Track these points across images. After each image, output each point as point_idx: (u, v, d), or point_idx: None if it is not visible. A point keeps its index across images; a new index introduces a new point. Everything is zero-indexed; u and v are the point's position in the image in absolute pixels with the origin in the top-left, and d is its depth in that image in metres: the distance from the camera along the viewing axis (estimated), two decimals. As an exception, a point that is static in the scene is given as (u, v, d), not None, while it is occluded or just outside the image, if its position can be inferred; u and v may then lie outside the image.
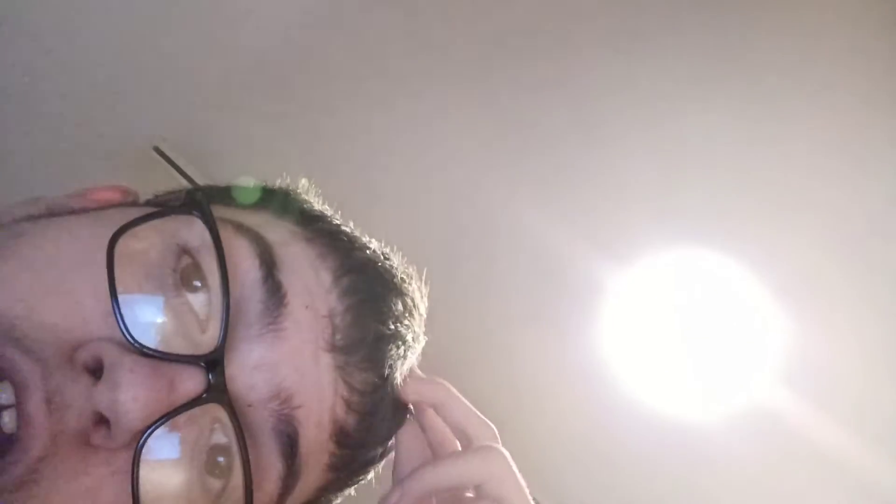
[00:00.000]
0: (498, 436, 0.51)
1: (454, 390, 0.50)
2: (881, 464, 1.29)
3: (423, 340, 0.52)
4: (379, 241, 0.52)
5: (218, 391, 0.39)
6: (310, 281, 0.44)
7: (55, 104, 1.22)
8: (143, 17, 1.16)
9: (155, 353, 0.38)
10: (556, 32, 1.14)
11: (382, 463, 0.51)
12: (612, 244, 1.26)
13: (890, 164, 1.16)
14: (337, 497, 0.50)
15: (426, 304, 0.52)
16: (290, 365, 0.41)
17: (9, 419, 0.35)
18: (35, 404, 0.35)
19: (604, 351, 1.30)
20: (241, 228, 0.43)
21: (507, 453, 0.49)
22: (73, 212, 0.45)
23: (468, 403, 0.50)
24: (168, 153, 1.26)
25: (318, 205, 0.51)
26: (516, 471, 0.49)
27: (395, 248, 0.53)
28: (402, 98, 1.21)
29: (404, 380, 0.48)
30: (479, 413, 0.51)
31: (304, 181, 0.52)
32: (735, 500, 1.40)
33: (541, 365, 1.34)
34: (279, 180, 0.52)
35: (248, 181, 0.50)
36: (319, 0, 1.15)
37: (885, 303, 1.23)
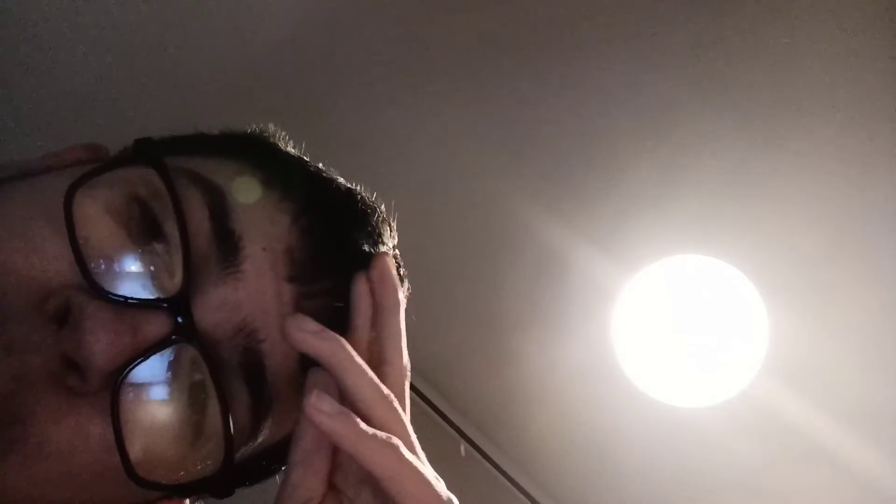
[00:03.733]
0: (401, 413, 0.45)
1: (350, 350, 0.44)
2: (881, 463, 1.29)
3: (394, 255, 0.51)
4: (361, 188, 0.52)
5: (186, 331, 0.41)
6: (266, 224, 0.45)
7: (54, 104, 1.22)
8: (144, 17, 1.16)
9: (119, 299, 0.39)
10: (557, 33, 1.14)
11: None
12: (613, 244, 1.26)
13: (890, 164, 1.16)
14: None
15: (395, 237, 0.52)
16: (252, 302, 0.43)
17: None
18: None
19: (604, 351, 1.30)
20: (195, 178, 0.44)
21: (400, 445, 0.43)
22: (40, 172, 0.46)
23: (368, 370, 0.45)
24: (168, 153, 1.26)
25: (284, 147, 0.52)
26: (416, 463, 0.43)
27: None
28: (403, 99, 1.21)
29: (294, 327, 0.44)
30: (379, 384, 0.45)
31: (271, 126, 0.53)
32: (735, 500, 1.40)
33: (541, 365, 1.34)
34: (249, 126, 0.52)
35: (209, 129, 0.51)
36: (320, 0, 1.15)
37: (885, 302, 1.23)
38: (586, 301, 1.29)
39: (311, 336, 0.43)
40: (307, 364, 0.45)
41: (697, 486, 1.39)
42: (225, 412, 0.41)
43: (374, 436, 0.42)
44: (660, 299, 1.24)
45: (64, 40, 1.17)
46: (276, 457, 0.50)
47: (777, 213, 1.21)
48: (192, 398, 0.42)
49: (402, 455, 0.42)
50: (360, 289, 0.47)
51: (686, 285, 1.24)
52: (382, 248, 0.50)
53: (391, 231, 0.52)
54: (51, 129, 1.21)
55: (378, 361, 0.46)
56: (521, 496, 1.40)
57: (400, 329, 0.48)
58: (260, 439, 0.47)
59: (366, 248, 0.49)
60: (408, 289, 0.52)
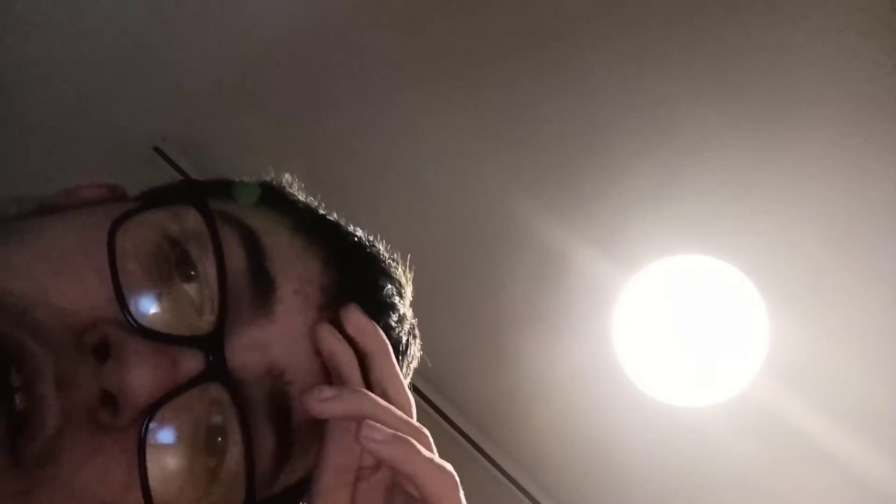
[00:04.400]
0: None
1: (372, 395, 0.45)
2: (881, 463, 1.29)
3: (411, 320, 0.53)
4: (380, 241, 0.53)
5: (218, 370, 0.41)
6: (299, 268, 0.46)
7: (55, 103, 1.22)
8: (144, 16, 1.16)
9: (157, 336, 0.40)
10: (557, 34, 1.14)
11: None
12: (613, 244, 1.26)
13: (890, 165, 1.16)
14: None
15: (411, 288, 0.54)
16: (281, 344, 0.44)
17: (20, 399, 0.37)
18: (46, 385, 0.37)
19: (604, 351, 1.30)
20: (231, 219, 0.45)
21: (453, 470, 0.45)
22: (64, 208, 0.47)
23: (395, 410, 0.46)
24: (168, 153, 1.26)
25: (301, 196, 0.53)
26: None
27: (395, 248, 0.54)
28: (403, 99, 1.21)
29: (313, 400, 0.45)
30: (407, 419, 0.46)
31: (287, 176, 0.53)
32: (735, 500, 1.40)
33: (541, 365, 1.34)
34: (265, 176, 0.53)
35: (234, 178, 0.51)
36: (320, 0, 1.15)
37: (886, 302, 1.23)
38: (586, 301, 1.29)
39: (333, 402, 0.44)
40: None
41: (697, 486, 1.39)
42: (249, 453, 0.42)
43: (432, 458, 0.44)
44: (660, 299, 1.24)
45: (63, 41, 1.17)
46: (293, 497, 0.50)
47: (777, 213, 1.21)
48: (208, 440, 0.42)
49: (456, 479, 0.45)
50: (330, 342, 0.46)
51: (686, 285, 1.24)
52: (405, 296, 0.52)
53: (408, 280, 0.54)
54: (50, 130, 1.21)
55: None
56: (521, 496, 1.40)
57: (395, 369, 0.49)
58: (279, 483, 0.46)
59: (391, 294, 0.50)
60: (419, 351, 0.54)
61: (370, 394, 0.45)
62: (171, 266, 0.42)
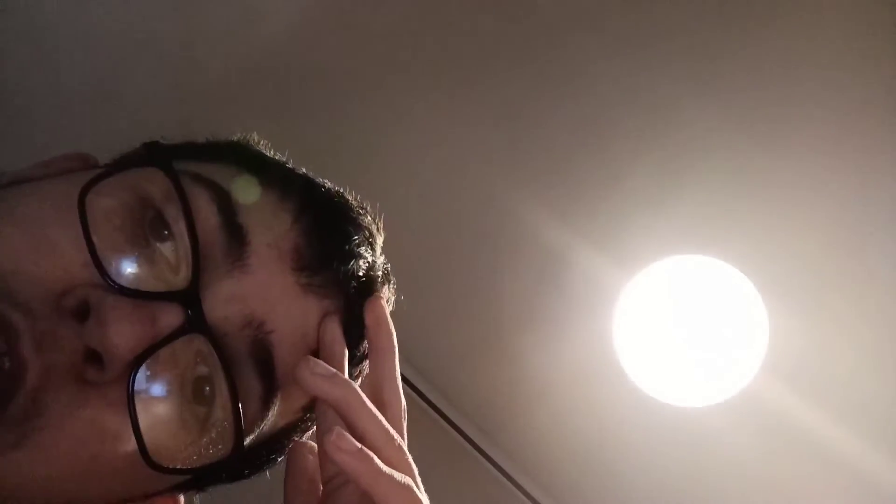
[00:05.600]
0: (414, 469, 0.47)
1: (361, 395, 0.46)
2: (882, 463, 1.29)
3: (383, 266, 0.54)
4: (349, 192, 0.55)
5: (197, 322, 0.42)
6: (270, 221, 0.47)
7: (53, 103, 1.22)
8: (144, 16, 1.16)
9: (134, 293, 0.41)
10: (559, 33, 1.14)
11: (358, 382, 0.53)
12: (613, 244, 1.26)
13: (890, 164, 1.16)
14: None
15: (382, 236, 0.55)
16: (259, 295, 0.45)
17: (3, 362, 0.39)
18: (26, 347, 0.39)
19: (604, 351, 1.30)
20: (198, 178, 0.46)
21: (413, 486, 0.45)
22: (36, 179, 0.48)
23: (378, 414, 0.47)
24: (168, 153, 1.25)
25: (270, 153, 0.54)
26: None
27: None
28: (403, 99, 1.21)
29: (307, 370, 0.47)
30: (388, 427, 0.47)
31: (255, 135, 0.55)
32: (735, 500, 1.40)
33: (541, 365, 1.34)
34: (232, 136, 0.54)
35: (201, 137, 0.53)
36: (320, 2, 1.15)
37: (886, 302, 1.23)
38: (586, 301, 1.29)
39: (324, 381, 0.45)
40: (315, 356, 0.47)
41: (697, 485, 1.39)
42: (234, 399, 0.43)
43: (392, 476, 0.44)
44: (660, 299, 1.24)
45: (64, 40, 1.17)
46: (277, 446, 0.52)
47: (777, 213, 1.21)
48: (196, 391, 0.44)
49: (417, 496, 0.45)
50: (331, 330, 0.48)
51: (686, 285, 1.24)
52: (376, 243, 0.53)
53: (379, 228, 0.55)
54: (49, 129, 1.21)
55: (376, 404, 0.48)
56: (521, 496, 1.40)
57: (396, 372, 0.51)
58: (266, 427, 0.48)
59: (361, 242, 0.51)
60: (394, 283, 0.55)
61: (360, 392, 0.46)
62: (143, 227, 0.44)
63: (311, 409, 0.51)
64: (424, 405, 1.34)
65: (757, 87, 1.14)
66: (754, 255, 1.23)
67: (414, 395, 1.33)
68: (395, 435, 0.47)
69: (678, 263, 1.25)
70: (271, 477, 0.54)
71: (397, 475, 0.44)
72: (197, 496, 0.52)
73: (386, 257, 0.55)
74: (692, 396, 1.29)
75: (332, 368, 0.46)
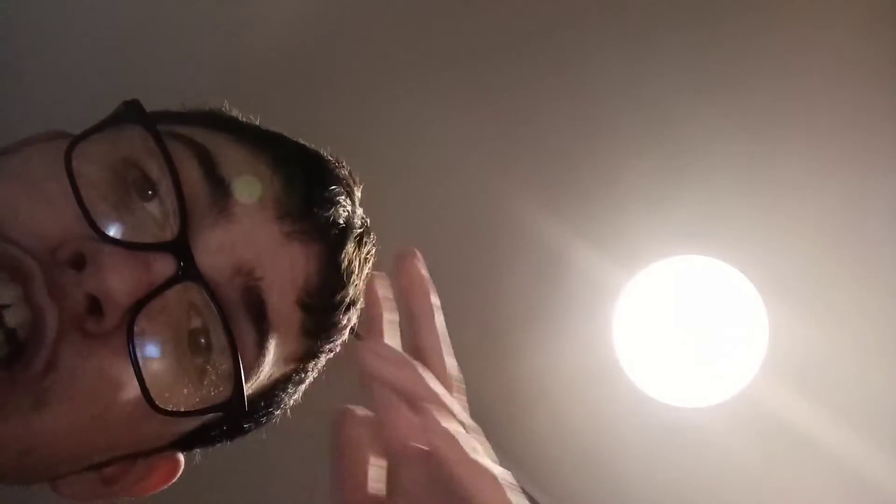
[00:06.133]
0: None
1: (428, 380, 0.43)
2: (882, 463, 1.29)
3: (362, 217, 0.55)
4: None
5: (189, 270, 0.43)
6: (250, 172, 0.48)
7: (53, 104, 1.21)
8: (144, 17, 1.16)
9: (125, 244, 0.43)
10: (558, 34, 1.14)
11: (347, 333, 0.54)
12: (613, 244, 1.26)
13: (890, 164, 1.16)
14: (312, 366, 0.55)
15: (360, 189, 0.56)
16: (246, 243, 0.46)
17: (10, 316, 0.40)
18: (41, 293, 0.40)
19: (604, 351, 1.30)
20: (178, 136, 0.47)
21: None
22: (20, 148, 0.50)
23: (449, 401, 0.44)
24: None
25: (241, 118, 0.56)
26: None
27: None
28: (401, 99, 1.21)
29: (371, 352, 0.45)
30: (465, 416, 0.45)
31: (225, 103, 0.57)
32: (735, 500, 1.40)
33: (541, 365, 1.34)
34: (205, 104, 0.56)
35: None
36: (320, 1, 1.15)
37: (886, 302, 1.23)
38: (586, 300, 1.29)
39: (391, 366, 0.43)
40: (305, 305, 0.48)
41: (697, 485, 1.39)
42: (232, 343, 0.44)
43: (478, 462, 0.41)
44: (660, 299, 1.24)
45: (62, 39, 1.17)
46: (273, 398, 0.53)
47: (778, 213, 1.21)
48: (192, 342, 0.45)
49: (498, 482, 0.41)
50: (379, 293, 0.48)
51: (686, 285, 1.24)
52: (354, 194, 0.54)
53: (356, 180, 0.56)
54: (45, 126, 1.21)
55: None
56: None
57: (439, 338, 0.49)
58: (262, 376, 0.49)
59: (339, 191, 0.52)
60: (372, 248, 0.55)
61: (427, 374, 0.44)
62: (128, 183, 0.45)
63: (305, 359, 0.52)
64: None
65: (757, 87, 1.14)
66: (754, 255, 1.23)
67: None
68: (474, 425, 0.47)
69: (678, 263, 1.25)
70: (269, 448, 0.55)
71: (482, 460, 0.42)
72: (197, 454, 0.53)
73: (378, 249, 0.56)
74: (692, 396, 1.29)
75: (400, 354, 0.44)
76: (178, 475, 0.52)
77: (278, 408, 0.54)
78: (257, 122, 0.56)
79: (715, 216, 1.23)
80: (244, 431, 0.54)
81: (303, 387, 0.55)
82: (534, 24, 1.14)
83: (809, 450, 1.31)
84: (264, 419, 0.54)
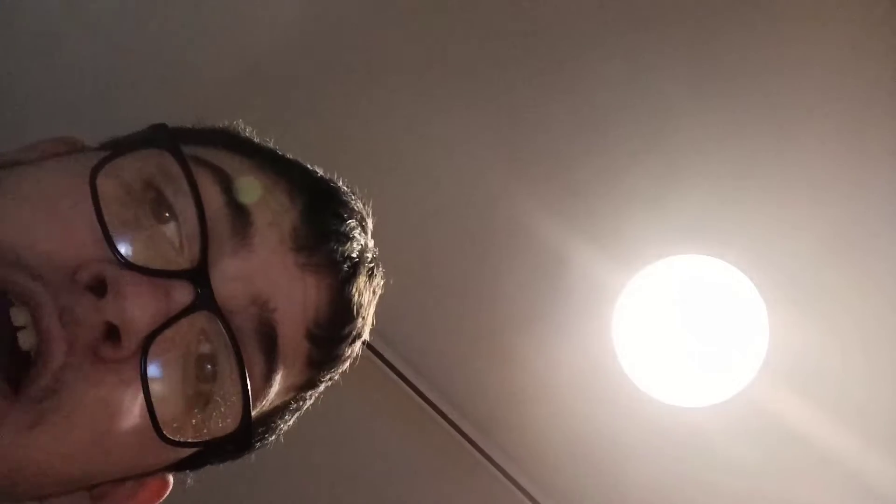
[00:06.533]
0: None
1: None
2: (882, 464, 1.29)
3: (373, 250, 0.55)
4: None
5: (207, 300, 0.43)
6: (270, 202, 0.48)
7: (53, 105, 1.22)
8: (144, 17, 1.16)
9: (146, 270, 0.42)
10: (559, 33, 1.14)
11: (346, 364, 0.55)
12: (613, 244, 1.26)
13: (890, 165, 1.16)
14: (310, 396, 0.55)
15: (371, 221, 0.56)
16: (263, 274, 0.46)
17: (24, 339, 0.40)
18: (50, 320, 0.40)
19: (604, 351, 1.30)
20: (200, 161, 0.47)
21: None
22: (29, 162, 0.49)
23: None
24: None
25: (257, 140, 0.56)
26: None
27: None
28: (402, 99, 1.21)
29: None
30: None
31: (240, 122, 0.56)
32: (735, 500, 1.40)
33: (541, 365, 1.34)
34: (219, 124, 0.56)
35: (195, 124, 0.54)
36: (319, 1, 1.15)
37: (886, 302, 1.23)
38: (586, 301, 1.29)
39: None
40: (313, 336, 0.49)
41: (697, 485, 1.39)
42: (243, 374, 0.44)
43: None
44: (660, 299, 1.24)
45: (63, 40, 1.17)
46: (270, 425, 0.54)
47: (777, 213, 1.21)
48: (199, 368, 0.45)
49: None
50: None
51: (686, 285, 1.24)
52: (367, 227, 0.54)
53: (368, 213, 0.56)
54: (46, 129, 1.21)
55: None
56: (521, 496, 1.40)
57: None
58: (266, 404, 0.49)
59: (354, 224, 0.52)
60: (381, 281, 0.56)
61: None
62: (150, 207, 0.44)
63: (304, 388, 0.53)
64: (424, 405, 1.35)
65: (758, 87, 1.14)
66: (754, 255, 1.23)
67: (414, 394, 1.33)
68: None
69: (678, 263, 1.25)
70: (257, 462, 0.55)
71: None
72: (190, 477, 0.54)
73: (380, 249, 0.56)
74: (692, 396, 1.29)
75: None
76: (165, 495, 0.52)
77: (273, 434, 0.55)
78: (271, 145, 0.56)
79: (715, 216, 1.23)
80: (238, 456, 0.54)
81: (299, 413, 0.56)
82: (533, 24, 1.14)
83: (808, 450, 1.31)
84: (258, 445, 0.55)
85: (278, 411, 0.53)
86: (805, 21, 1.10)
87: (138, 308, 0.41)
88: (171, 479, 0.52)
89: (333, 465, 1.43)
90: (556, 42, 1.15)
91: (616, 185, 1.22)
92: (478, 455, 1.38)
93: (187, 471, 0.53)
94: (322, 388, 0.55)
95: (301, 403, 0.55)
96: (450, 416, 1.36)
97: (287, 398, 0.52)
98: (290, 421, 0.56)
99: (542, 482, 1.42)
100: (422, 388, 1.34)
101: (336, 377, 0.55)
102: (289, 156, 0.55)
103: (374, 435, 1.39)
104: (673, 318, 1.25)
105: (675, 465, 1.38)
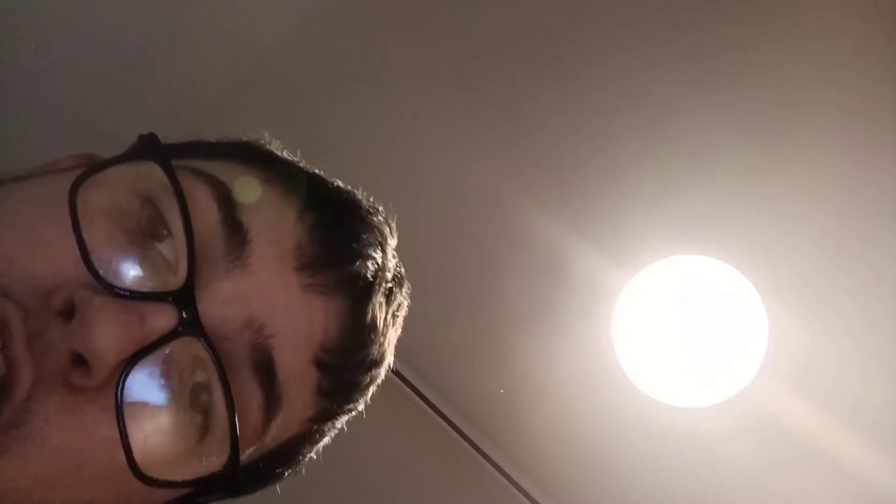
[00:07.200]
0: None
1: None
2: (882, 464, 1.29)
3: (395, 269, 0.52)
4: (361, 191, 0.53)
5: (192, 325, 0.40)
6: (273, 219, 0.45)
7: (53, 104, 1.21)
8: (144, 17, 1.16)
9: (125, 293, 0.39)
10: (558, 33, 1.14)
11: (371, 392, 0.52)
12: (612, 244, 1.26)
13: (891, 164, 1.16)
14: (329, 427, 0.51)
15: (395, 238, 0.53)
16: (259, 296, 0.43)
17: None
18: (18, 346, 0.37)
19: (604, 351, 1.30)
20: (199, 174, 0.44)
21: None
22: (40, 175, 0.46)
23: None
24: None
25: (279, 152, 0.52)
26: None
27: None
28: (402, 98, 1.21)
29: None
30: None
31: (266, 134, 0.53)
32: (735, 500, 1.40)
33: (540, 365, 1.34)
34: (242, 135, 0.53)
35: (206, 137, 0.51)
36: (320, 1, 1.15)
37: (886, 303, 1.23)
38: (586, 301, 1.29)
39: None
40: (322, 364, 0.45)
41: (697, 486, 1.39)
42: (231, 408, 0.41)
43: None
44: (659, 299, 1.24)
45: (61, 43, 1.17)
46: (278, 463, 0.50)
47: (777, 214, 1.21)
48: (194, 398, 0.42)
49: None
50: None
51: (686, 285, 1.24)
52: (387, 245, 0.50)
53: (391, 231, 0.52)
54: (49, 129, 1.21)
55: None
56: (521, 496, 1.40)
57: None
58: (267, 440, 0.46)
59: (370, 242, 0.49)
60: (408, 288, 0.53)
61: None
62: (139, 223, 0.42)
63: (319, 420, 0.49)
64: (424, 405, 1.34)
65: (758, 87, 1.14)
66: (754, 256, 1.23)
67: (414, 395, 1.33)
68: None
69: (678, 263, 1.25)
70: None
71: None
72: None
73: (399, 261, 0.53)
74: (692, 397, 1.29)
75: None
76: None
77: (289, 468, 0.51)
78: (295, 158, 0.52)
79: (715, 216, 1.23)
80: (249, 492, 0.50)
81: (319, 446, 0.52)
82: (533, 24, 1.14)
83: (808, 450, 1.31)
84: (274, 480, 0.51)
85: (290, 444, 0.49)
86: (806, 22, 1.10)
87: (103, 335, 0.38)
88: None
89: (331, 466, 1.42)
90: (555, 42, 1.15)
91: (616, 185, 1.22)
92: (476, 455, 1.38)
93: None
94: (343, 419, 0.52)
95: (318, 436, 0.51)
96: (449, 416, 1.36)
97: (300, 429, 0.49)
98: (310, 453, 0.52)
99: (542, 482, 1.41)
100: (421, 388, 1.34)
101: (359, 407, 0.52)
102: (308, 168, 0.52)
103: (372, 435, 1.38)
104: (673, 318, 1.24)
105: (674, 465, 1.38)
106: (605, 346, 1.29)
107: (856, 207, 1.19)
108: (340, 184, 0.52)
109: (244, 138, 0.52)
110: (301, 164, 0.52)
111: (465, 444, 1.37)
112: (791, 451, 1.32)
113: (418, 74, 1.19)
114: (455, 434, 1.37)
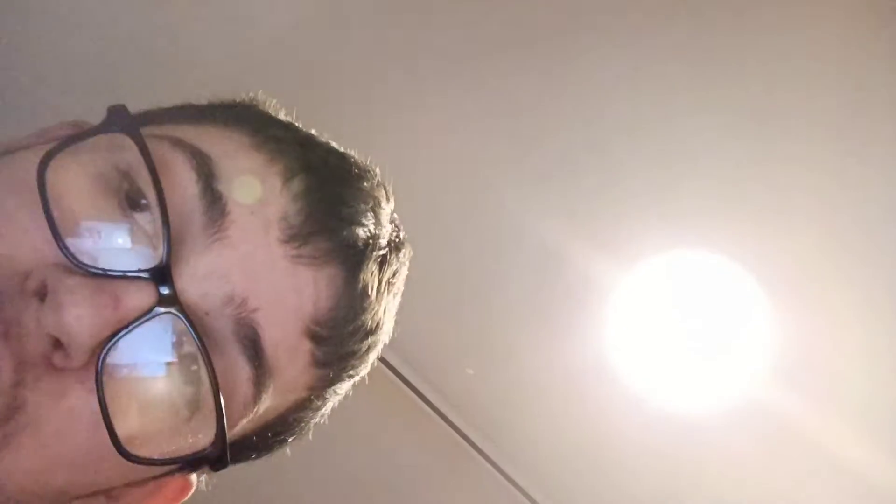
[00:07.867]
0: None
1: None
2: (883, 463, 1.29)
3: (390, 234, 0.50)
4: (360, 155, 0.52)
5: (170, 302, 0.39)
6: (256, 187, 0.44)
7: (53, 104, 1.21)
8: (144, 17, 1.16)
9: (99, 272, 0.38)
10: (558, 32, 1.14)
11: (372, 358, 0.51)
12: (612, 240, 1.26)
13: (891, 162, 1.16)
14: (331, 394, 0.51)
15: (392, 201, 0.51)
16: (241, 270, 0.41)
17: None
18: None
19: (603, 350, 1.29)
20: (178, 143, 0.43)
21: None
22: (22, 148, 0.45)
23: None
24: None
25: (276, 114, 0.51)
26: None
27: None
28: (401, 98, 1.20)
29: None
30: None
31: (261, 93, 0.52)
32: (735, 500, 1.40)
33: (540, 364, 1.34)
34: (237, 96, 0.51)
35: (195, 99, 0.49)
36: (319, 1, 1.14)
37: (888, 301, 1.23)
38: (585, 299, 1.29)
39: None
40: (314, 335, 0.44)
41: (697, 486, 1.39)
42: (214, 382, 0.40)
43: None
44: (660, 296, 1.24)
45: (60, 38, 1.16)
46: (279, 430, 0.49)
47: (780, 209, 1.21)
48: (183, 370, 0.41)
49: None
50: None
51: (686, 282, 1.24)
52: (380, 209, 0.49)
53: (387, 194, 0.52)
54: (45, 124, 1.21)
55: None
56: (521, 496, 1.40)
57: None
58: (261, 411, 0.45)
59: (360, 208, 0.47)
60: (409, 252, 0.52)
61: None
62: (117, 198, 0.41)
63: (318, 388, 0.48)
64: (423, 404, 1.34)
65: (758, 82, 1.14)
66: (755, 252, 1.23)
67: (413, 395, 1.32)
68: None
69: (678, 260, 1.24)
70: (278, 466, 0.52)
71: None
72: (202, 478, 0.50)
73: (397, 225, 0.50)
74: (691, 396, 1.29)
75: None
76: (188, 495, 0.49)
77: (292, 434, 0.51)
78: (292, 119, 0.50)
79: (716, 212, 1.23)
80: (253, 459, 0.50)
81: (324, 411, 0.51)
82: (531, 21, 1.14)
83: (809, 450, 1.31)
84: (276, 447, 0.51)
85: (292, 411, 0.49)
86: (806, 19, 1.10)
87: (75, 317, 0.37)
88: (194, 479, 0.49)
89: (331, 466, 1.42)
90: (556, 38, 1.14)
91: (616, 182, 1.22)
92: (477, 455, 1.38)
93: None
94: (345, 385, 0.51)
95: (320, 402, 0.50)
96: (449, 416, 1.36)
97: (298, 396, 0.48)
98: (315, 419, 0.51)
99: (541, 482, 1.41)
100: (421, 387, 1.34)
101: (361, 372, 0.51)
102: (303, 131, 0.50)
103: (371, 434, 1.38)
104: (673, 315, 1.24)
105: (674, 465, 1.38)
106: (604, 345, 1.29)
107: (859, 205, 1.19)
108: (334, 146, 0.50)
109: (237, 99, 0.51)
110: (295, 126, 0.51)
111: (464, 444, 1.37)
112: (791, 450, 1.32)
113: (418, 73, 1.18)
114: (454, 434, 1.36)
